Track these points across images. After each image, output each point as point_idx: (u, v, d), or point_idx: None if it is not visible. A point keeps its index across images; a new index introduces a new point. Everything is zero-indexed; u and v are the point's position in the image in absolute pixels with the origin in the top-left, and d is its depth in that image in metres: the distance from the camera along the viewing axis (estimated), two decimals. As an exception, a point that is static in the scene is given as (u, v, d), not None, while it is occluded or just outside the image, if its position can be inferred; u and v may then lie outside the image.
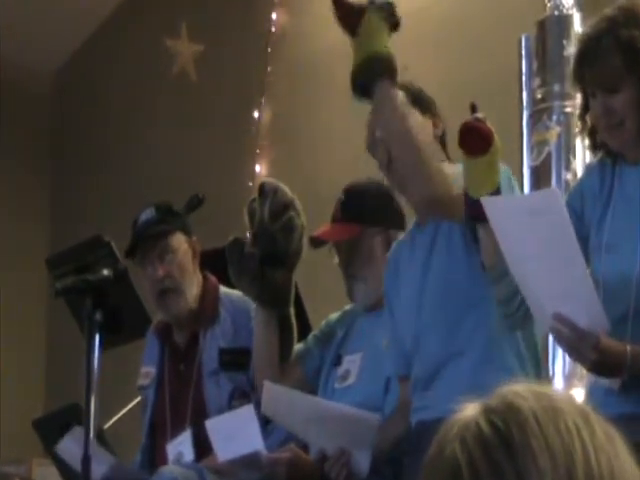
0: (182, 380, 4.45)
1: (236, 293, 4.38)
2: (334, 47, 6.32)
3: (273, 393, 3.83)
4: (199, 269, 4.48)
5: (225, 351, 4.35)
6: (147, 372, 4.56)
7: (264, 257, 3.93)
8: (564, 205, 3.01)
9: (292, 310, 4.04)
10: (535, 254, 2.97)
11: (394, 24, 3.45)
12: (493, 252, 3.06)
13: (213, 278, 4.52)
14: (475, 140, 3.06)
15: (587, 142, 3.44)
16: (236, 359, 4.33)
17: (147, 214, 4.40)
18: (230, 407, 4.23)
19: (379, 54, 3.38)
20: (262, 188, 3.91)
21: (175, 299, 4.31)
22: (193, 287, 4.37)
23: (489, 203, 2.98)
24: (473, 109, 3.07)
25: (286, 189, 3.92)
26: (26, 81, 8.21)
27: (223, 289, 4.50)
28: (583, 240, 3.05)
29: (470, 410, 1.19)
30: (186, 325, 4.40)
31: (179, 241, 4.38)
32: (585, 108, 3.24)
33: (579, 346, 3.00)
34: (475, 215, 3.05)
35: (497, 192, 3.08)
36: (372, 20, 3.41)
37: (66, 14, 7.86)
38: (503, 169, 3.26)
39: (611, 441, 1.17)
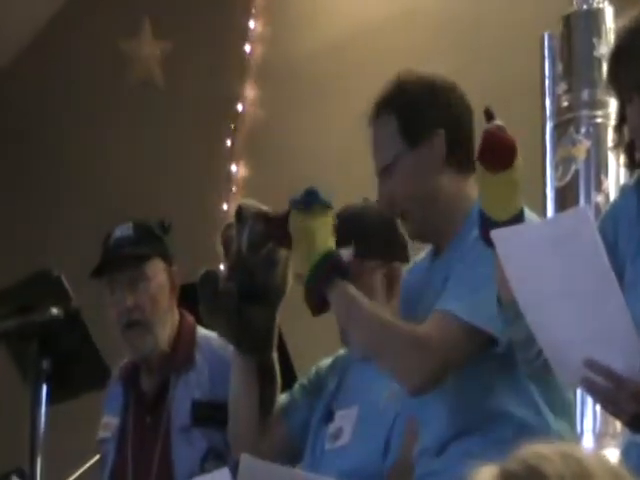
0: (148, 435, 4.28)
1: (217, 337, 4.12)
2: (314, 53, 6.92)
3: (250, 468, 3.43)
4: (176, 305, 4.33)
5: (199, 404, 4.18)
6: (108, 423, 4.34)
7: (242, 294, 3.72)
8: (596, 227, 2.81)
9: (275, 356, 3.83)
10: (557, 290, 2.80)
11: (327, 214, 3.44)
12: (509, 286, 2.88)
13: (190, 317, 4.32)
14: (497, 153, 2.88)
15: (623, 158, 3.26)
16: (212, 414, 4.14)
17: (123, 230, 4.19)
18: (202, 470, 4.00)
19: (325, 259, 3.41)
20: (239, 212, 3.64)
21: (142, 335, 4.16)
22: (166, 325, 4.23)
23: (499, 237, 2.83)
24: (488, 115, 2.84)
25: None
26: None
27: (202, 331, 4.29)
28: (617, 275, 2.84)
29: (486, 474, 1.17)
30: (155, 370, 4.23)
31: (156, 269, 4.23)
32: (621, 117, 3.05)
33: (616, 396, 2.83)
34: (489, 239, 2.84)
35: (520, 217, 2.89)
36: (302, 225, 3.46)
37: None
38: None
39: None
